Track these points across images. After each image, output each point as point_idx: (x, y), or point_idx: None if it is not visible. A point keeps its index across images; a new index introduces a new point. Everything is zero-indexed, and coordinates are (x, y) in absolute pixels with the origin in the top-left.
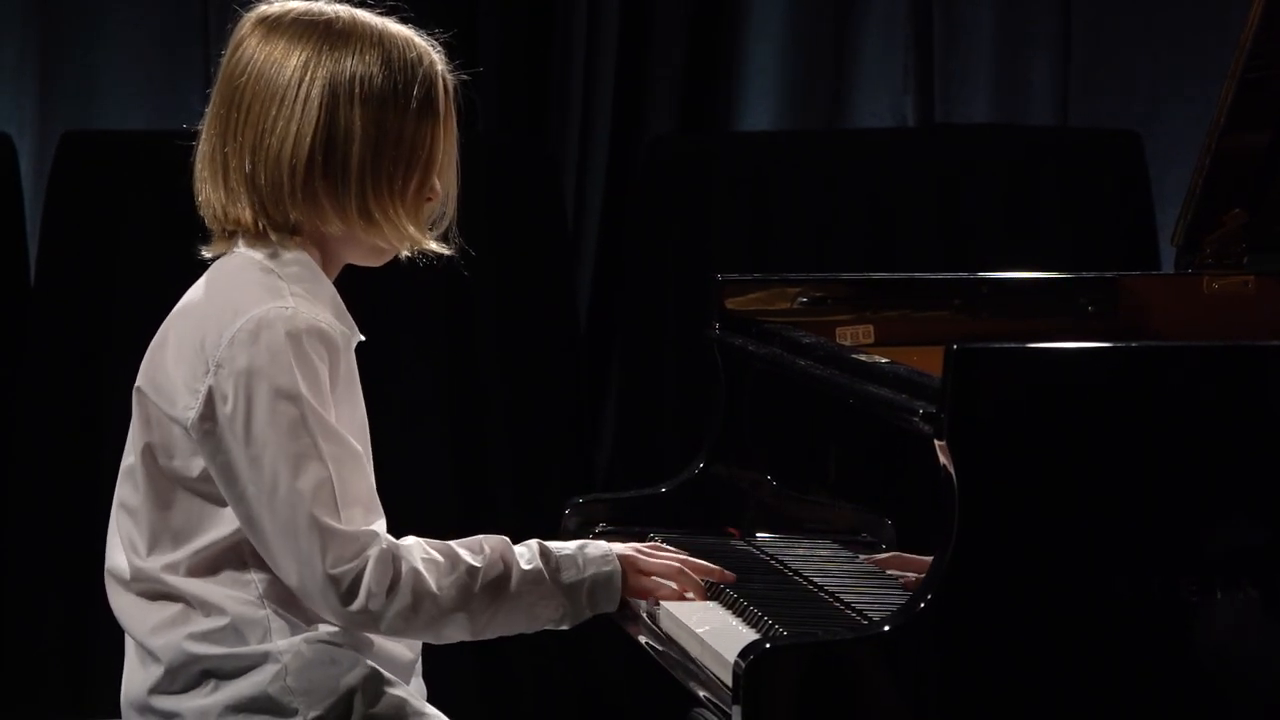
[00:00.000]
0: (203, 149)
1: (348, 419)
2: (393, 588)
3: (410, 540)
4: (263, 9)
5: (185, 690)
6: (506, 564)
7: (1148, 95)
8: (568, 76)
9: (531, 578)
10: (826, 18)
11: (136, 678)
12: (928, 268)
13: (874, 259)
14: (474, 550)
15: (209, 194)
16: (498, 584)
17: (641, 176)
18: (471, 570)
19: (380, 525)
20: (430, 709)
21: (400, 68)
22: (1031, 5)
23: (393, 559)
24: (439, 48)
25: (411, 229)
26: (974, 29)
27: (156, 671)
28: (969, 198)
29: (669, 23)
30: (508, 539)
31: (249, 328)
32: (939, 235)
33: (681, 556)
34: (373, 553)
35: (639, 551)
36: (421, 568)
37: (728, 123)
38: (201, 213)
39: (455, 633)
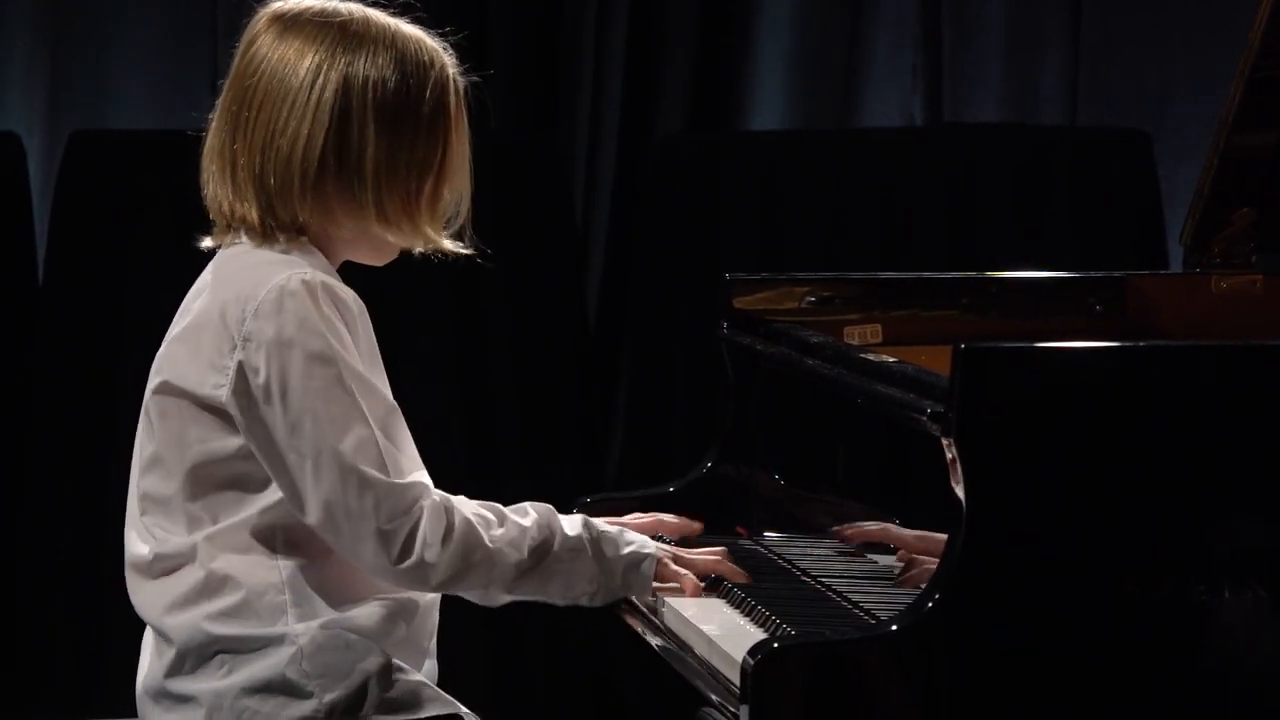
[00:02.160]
0: (211, 142)
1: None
2: (447, 538)
3: (458, 496)
4: (278, 5)
5: (200, 671)
6: (551, 528)
7: (1157, 94)
8: (577, 76)
9: (574, 544)
10: (836, 17)
11: (153, 665)
12: (936, 267)
13: (883, 258)
14: (520, 513)
15: (215, 188)
16: (543, 545)
17: (651, 176)
18: (521, 528)
19: (426, 478)
20: (446, 696)
21: (413, 70)
22: (1041, 4)
23: (445, 510)
24: (449, 49)
25: (429, 229)
26: (983, 28)
27: (170, 654)
28: (978, 197)
29: (679, 22)
30: (552, 506)
31: (271, 297)
32: (947, 234)
33: (718, 555)
34: (425, 504)
35: (679, 549)
36: (474, 520)
37: (737, 122)
38: (207, 204)
39: (499, 589)
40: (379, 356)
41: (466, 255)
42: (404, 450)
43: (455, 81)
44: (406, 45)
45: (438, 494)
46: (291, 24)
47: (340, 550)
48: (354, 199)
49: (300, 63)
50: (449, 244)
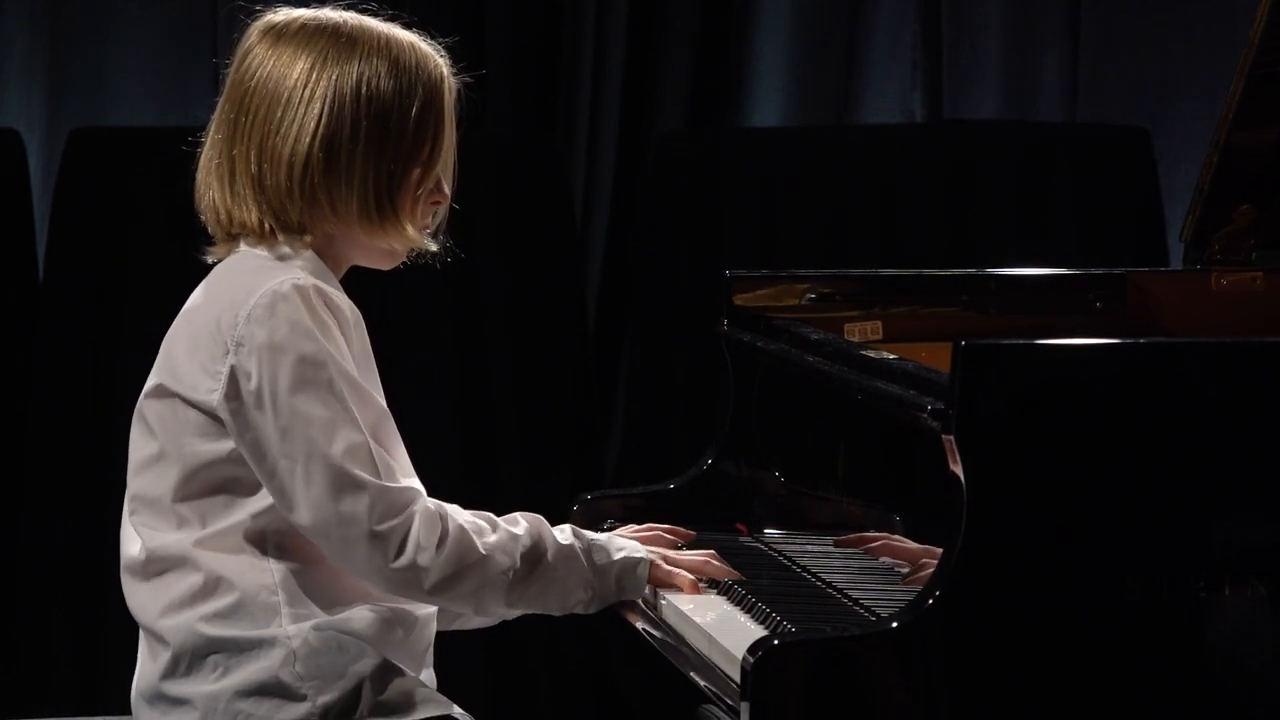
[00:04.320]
0: (208, 156)
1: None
2: (441, 543)
3: (451, 505)
4: (269, 18)
5: (194, 673)
6: (543, 537)
7: (1156, 91)
8: (577, 73)
9: (566, 553)
10: (835, 14)
11: (147, 669)
12: (936, 264)
13: (883, 255)
14: (512, 522)
15: (214, 198)
16: (536, 553)
17: (650, 173)
18: (513, 535)
19: (419, 484)
20: (439, 697)
21: (404, 70)
22: (1040, 1)
23: (439, 515)
24: (444, 53)
25: (410, 230)
26: (982, 25)
27: (165, 657)
28: (977, 194)
29: (678, 19)
30: (542, 516)
31: (264, 302)
32: (947, 231)
33: (706, 556)
34: (418, 508)
35: (668, 551)
36: (468, 526)
37: (736, 119)
38: (204, 217)
39: (493, 600)
40: (374, 364)
41: (435, 252)
42: (396, 456)
43: (449, 83)
44: (400, 46)
45: (431, 501)
46: (284, 32)
47: (332, 557)
48: (340, 196)
49: (294, 66)
50: (431, 244)
